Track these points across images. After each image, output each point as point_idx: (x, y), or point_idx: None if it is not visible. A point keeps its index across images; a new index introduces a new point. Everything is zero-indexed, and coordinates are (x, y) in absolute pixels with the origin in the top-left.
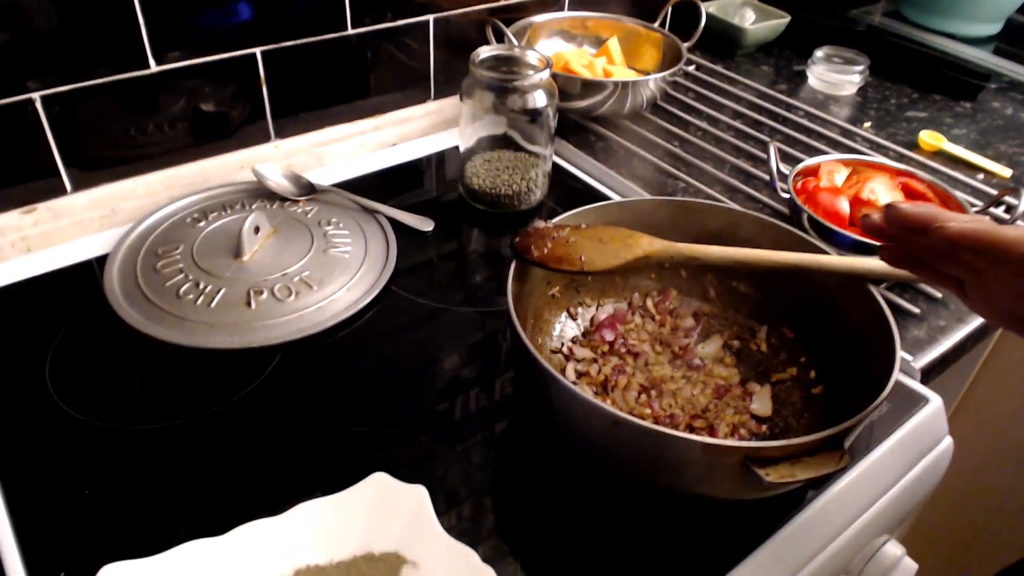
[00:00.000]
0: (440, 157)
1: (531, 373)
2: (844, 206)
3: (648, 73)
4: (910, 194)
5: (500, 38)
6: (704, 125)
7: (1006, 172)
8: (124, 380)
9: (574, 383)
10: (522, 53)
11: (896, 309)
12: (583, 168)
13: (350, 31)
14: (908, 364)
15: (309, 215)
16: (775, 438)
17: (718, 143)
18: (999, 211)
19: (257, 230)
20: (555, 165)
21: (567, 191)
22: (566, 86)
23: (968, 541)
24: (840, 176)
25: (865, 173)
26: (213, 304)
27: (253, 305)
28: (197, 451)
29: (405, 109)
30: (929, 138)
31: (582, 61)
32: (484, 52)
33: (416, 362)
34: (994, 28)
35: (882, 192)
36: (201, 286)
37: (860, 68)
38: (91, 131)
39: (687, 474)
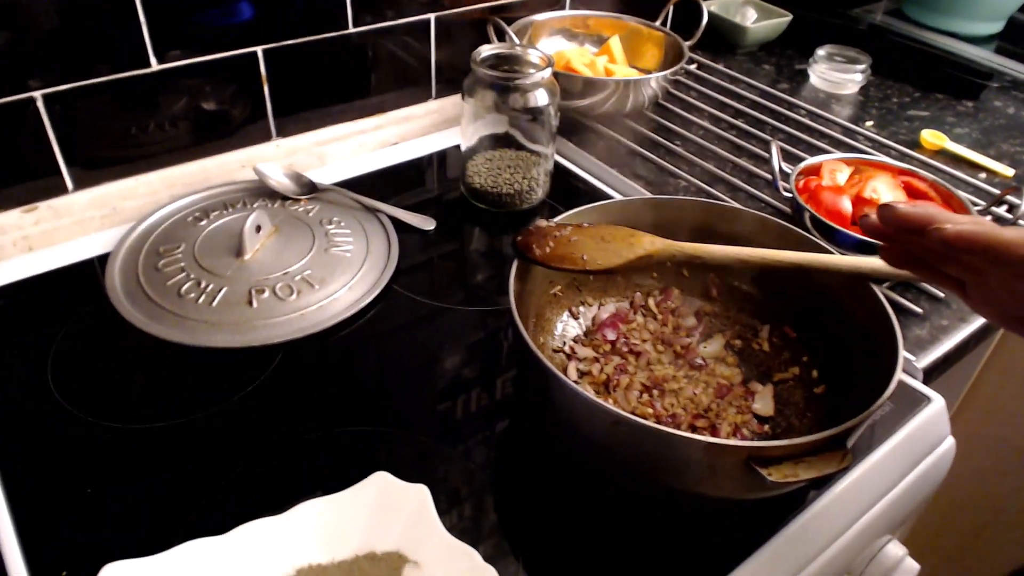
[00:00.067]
0: (441, 156)
1: (533, 372)
2: (846, 205)
3: (649, 72)
4: (912, 193)
5: (501, 37)
6: (706, 124)
7: (1008, 171)
8: (126, 379)
9: (576, 382)
10: (523, 52)
11: (899, 308)
12: (585, 167)
13: (351, 30)
14: (910, 364)
15: (310, 214)
16: (777, 438)
17: (720, 142)
18: (1001, 210)
19: (258, 229)
20: (557, 164)
21: (569, 190)
22: (567, 85)
23: (970, 541)
24: (842, 175)
25: (867, 172)
26: (214, 303)
27: (254, 304)
28: (198, 450)
29: (406, 108)
30: (931, 137)
31: (583, 60)
32: (485, 51)
33: (417, 361)
34: (996, 27)
35: (884, 191)
36: (202, 285)
37: (862, 67)
38: (92, 130)
39: (689, 474)
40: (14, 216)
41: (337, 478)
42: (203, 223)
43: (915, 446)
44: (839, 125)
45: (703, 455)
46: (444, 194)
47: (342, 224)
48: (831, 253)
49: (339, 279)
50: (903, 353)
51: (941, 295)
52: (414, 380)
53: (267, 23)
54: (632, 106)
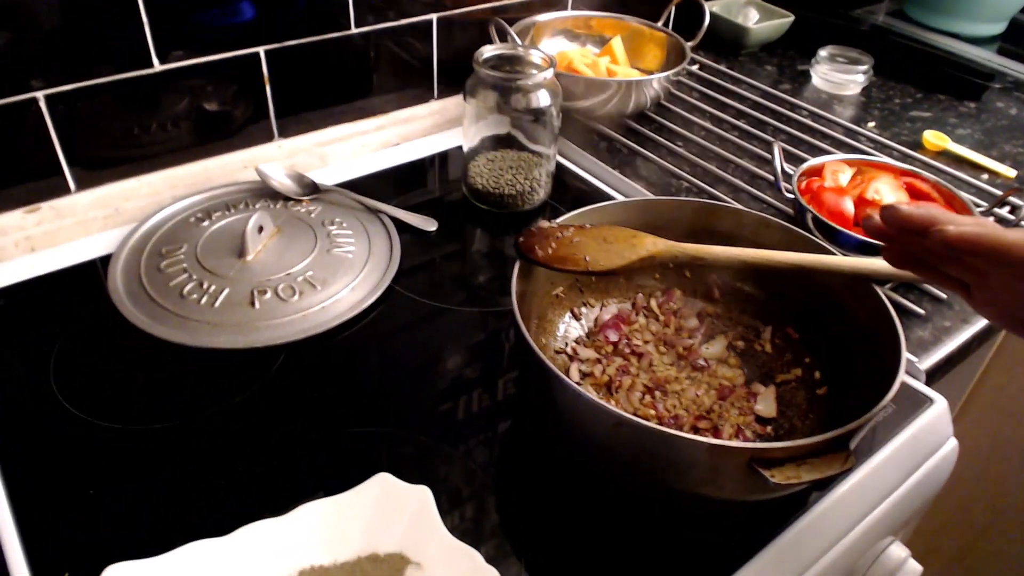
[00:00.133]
0: (443, 157)
1: (535, 373)
2: (848, 206)
3: (652, 73)
4: (915, 194)
5: (503, 37)
6: (708, 125)
7: (1011, 172)
8: (128, 380)
9: (578, 383)
10: (526, 52)
11: (901, 310)
12: (587, 168)
13: (353, 30)
14: (913, 365)
15: (312, 215)
16: (780, 439)
17: (722, 143)
18: (1004, 211)
19: (261, 230)
20: (559, 165)
21: (571, 191)
22: (570, 86)
23: (973, 543)
24: (844, 176)
25: (869, 173)
26: (217, 304)
27: (257, 305)
28: (200, 451)
29: (408, 108)
30: (933, 138)
31: (586, 60)
32: (487, 51)
33: (419, 362)
34: (998, 28)
35: (886, 192)
36: (205, 286)
37: (864, 68)
38: (95, 130)
39: (691, 475)
40: (16, 217)
41: (339, 479)
42: (205, 224)
43: (918, 448)
44: (841, 126)
45: (705, 456)
46: (446, 195)
47: (344, 225)
48: (833, 254)
49: (341, 280)
50: (905, 354)
51: (943, 296)
52: (416, 381)
53: (269, 23)
54: (634, 107)
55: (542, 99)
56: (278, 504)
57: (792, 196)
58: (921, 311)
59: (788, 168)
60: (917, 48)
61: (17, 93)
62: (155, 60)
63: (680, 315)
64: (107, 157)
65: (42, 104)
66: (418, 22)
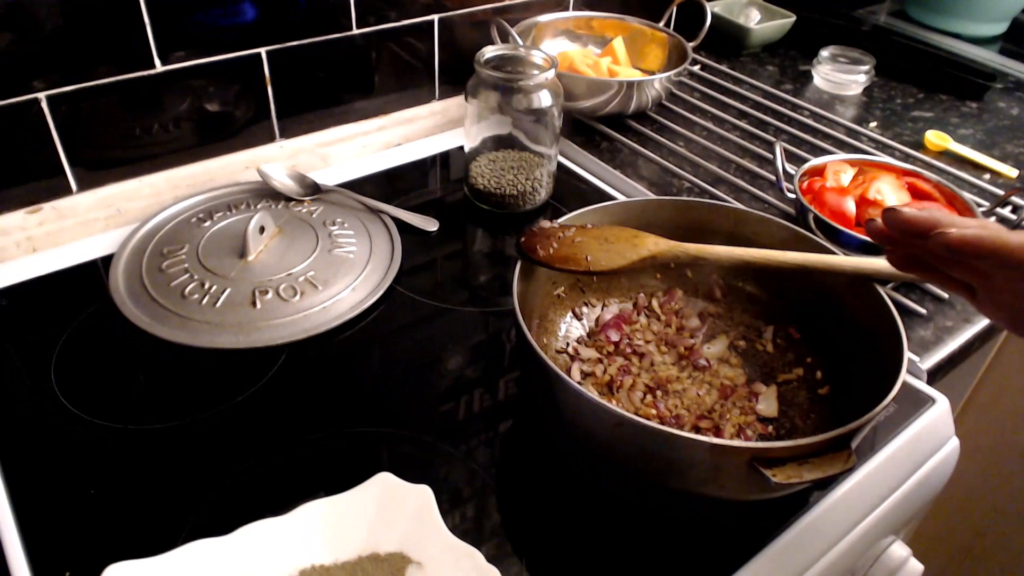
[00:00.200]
0: (445, 157)
1: (536, 373)
2: (850, 206)
3: (653, 73)
4: (916, 194)
5: (505, 38)
6: (709, 125)
7: (1012, 172)
8: (129, 380)
9: (579, 383)
10: (527, 53)
11: (903, 309)
12: (588, 168)
13: (355, 31)
14: (915, 365)
15: (314, 215)
16: (781, 439)
17: (723, 143)
18: (1006, 211)
19: (262, 230)
20: (560, 165)
21: (572, 191)
22: (571, 86)
23: (974, 542)
24: (846, 176)
25: (871, 173)
26: (218, 304)
27: (258, 305)
28: (202, 451)
29: (410, 109)
30: (935, 138)
31: (587, 61)
32: (489, 52)
33: (421, 362)
34: (1000, 28)
35: (888, 192)
36: (206, 286)
37: (866, 68)
38: (96, 131)
39: (693, 475)
40: (18, 217)
41: (340, 479)
42: (207, 224)
43: (919, 447)
44: (843, 126)
45: (707, 456)
46: (447, 195)
47: (345, 225)
48: (835, 254)
49: (342, 280)
50: (907, 354)
51: (945, 296)
52: (417, 381)
53: (271, 24)
54: (635, 107)
55: (543, 99)
56: (279, 503)
57: (794, 196)
58: (923, 311)
59: (790, 168)
60: (919, 48)
61: (19, 94)
62: (157, 61)
63: (682, 315)
64: (109, 157)
65: (44, 105)
66: (420, 23)
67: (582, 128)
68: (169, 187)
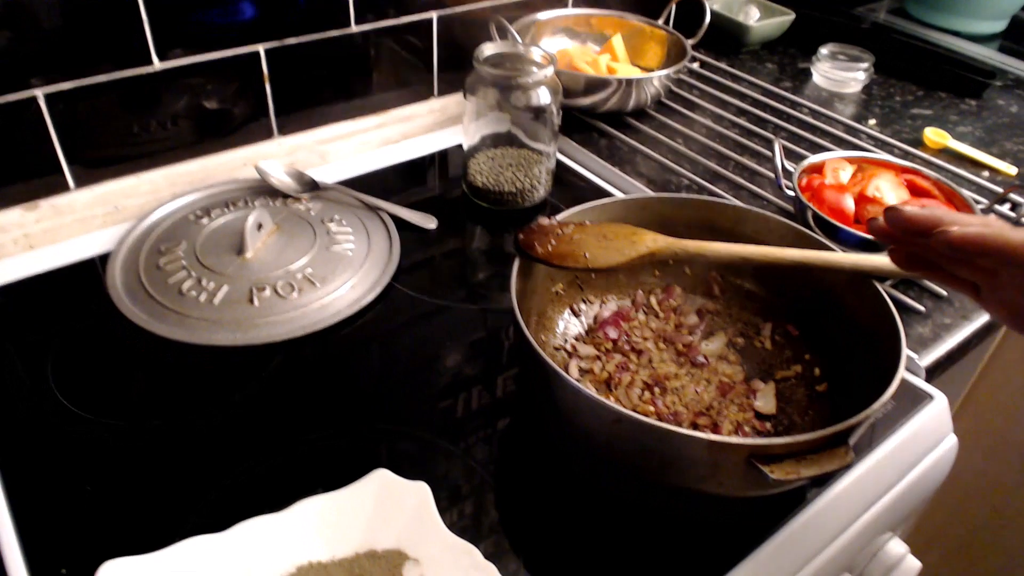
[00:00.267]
0: (443, 154)
1: (535, 370)
2: (849, 203)
3: (652, 70)
4: (915, 191)
5: (504, 35)
6: (708, 122)
7: (1011, 170)
8: (126, 377)
9: (577, 380)
10: (526, 50)
11: (901, 306)
12: (587, 165)
13: (353, 28)
14: (913, 362)
15: (312, 212)
16: (779, 436)
17: (722, 140)
18: (1004, 208)
19: (260, 227)
20: (559, 162)
21: (571, 188)
22: (570, 83)
23: (971, 539)
24: (845, 173)
25: (870, 170)
26: (216, 301)
27: (256, 302)
28: (199, 448)
29: (408, 106)
30: (934, 135)
31: (586, 58)
32: (488, 49)
33: (419, 359)
34: (999, 25)
35: (887, 189)
36: (204, 283)
37: (865, 65)
38: (94, 128)
39: (691, 471)
40: (15, 214)
41: (338, 475)
42: (204, 221)
43: (917, 444)
44: (842, 123)
45: (705, 453)
46: (446, 192)
47: (343, 222)
48: (833, 251)
49: (340, 277)
50: (905, 351)
51: (944, 293)
52: (415, 378)
53: (269, 22)
54: (634, 104)
55: (542, 97)
56: (276, 500)
57: (793, 193)
58: (921, 308)
59: (789, 165)
60: (918, 46)
61: (17, 91)
62: (155, 58)
63: (680, 312)
64: (106, 155)
65: (41, 102)
66: (418, 20)
67: (581, 125)
68: (167, 184)
